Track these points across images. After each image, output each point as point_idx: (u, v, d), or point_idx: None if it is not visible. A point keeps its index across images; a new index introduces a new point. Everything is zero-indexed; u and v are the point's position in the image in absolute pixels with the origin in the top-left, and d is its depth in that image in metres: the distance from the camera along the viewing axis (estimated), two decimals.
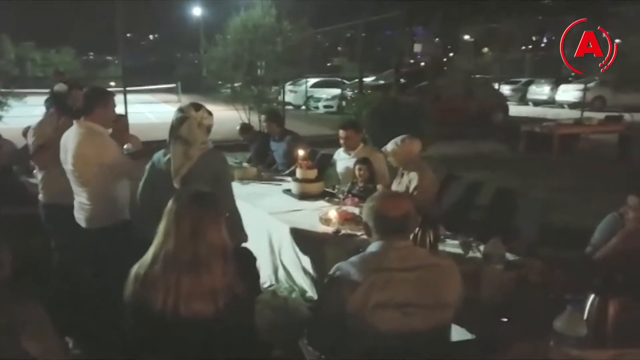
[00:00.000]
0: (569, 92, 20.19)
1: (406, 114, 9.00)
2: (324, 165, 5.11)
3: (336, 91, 19.34)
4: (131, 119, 6.20)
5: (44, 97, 6.62)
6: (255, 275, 2.08)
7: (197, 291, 1.74)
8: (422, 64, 27.38)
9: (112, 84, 17.95)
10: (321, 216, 3.63)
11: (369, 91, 13.66)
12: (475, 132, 12.36)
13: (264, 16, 11.06)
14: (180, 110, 2.80)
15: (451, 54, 31.10)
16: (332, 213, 3.57)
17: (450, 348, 1.97)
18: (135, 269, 1.84)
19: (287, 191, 4.47)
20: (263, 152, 5.95)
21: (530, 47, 34.48)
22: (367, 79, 17.68)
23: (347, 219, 3.52)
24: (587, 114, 13.96)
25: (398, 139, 4.01)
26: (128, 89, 11.85)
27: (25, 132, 4.04)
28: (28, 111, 10.49)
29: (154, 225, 1.87)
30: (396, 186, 4.07)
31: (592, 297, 1.99)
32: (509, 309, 2.20)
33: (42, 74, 21.57)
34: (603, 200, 5.04)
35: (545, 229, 3.80)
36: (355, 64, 18.82)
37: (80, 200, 3.18)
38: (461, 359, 2.00)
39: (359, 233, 3.25)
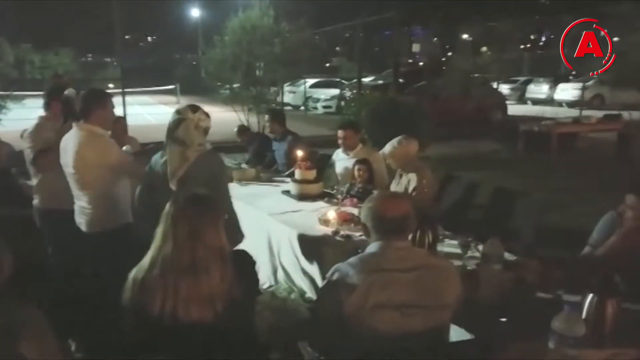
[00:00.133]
0: (567, 91, 20.25)
1: (405, 113, 9.01)
2: (323, 165, 5.11)
3: (335, 91, 19.31)
4: (130, 121, 6.22)
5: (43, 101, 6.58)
6: (254, 278, 2.07)
7: (196, 296, 1.74)
8: (421, 63, 27.44)
9: (111, 85, 17.98)
10: (320, 217, 3.63)
11: (368, 91, 13.66)
12: (474, 132, 12.36)
13: (262, 17, 11.04)
14: (177, 112, 2.80)
15: (449, 54, 31.06)
16: (331, 214, 3.57)
17: (449, 348, 1.97)
18: (133, 273, 1.83)
19: (286, 192, 4.47)
20: (261, 153, 5.99)
21: (528, 46, 34.49)
22: (366, 79, 17.71)
23: (346, 219, 3.52)
24: (585, 112, 14.02)
25: (395, 141, 4.01)
26: (127, 90, 11.86)
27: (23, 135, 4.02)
28: (27, 114, 10.47)
29: (152, 228, 1.87)
30: (395, 187, 4.07)
31: (590, 296, 2.00)
32: (508, 309, 2.20)
33: (40, 77, 21.51)
34: (601, 199, 5.04)
35: (544, 228, 3.80)
36: (353, 64, 18.76)
37: (81, 204, 3.13)
38: (460, 359, 2.00)
39: (357, 234, 3.25)
